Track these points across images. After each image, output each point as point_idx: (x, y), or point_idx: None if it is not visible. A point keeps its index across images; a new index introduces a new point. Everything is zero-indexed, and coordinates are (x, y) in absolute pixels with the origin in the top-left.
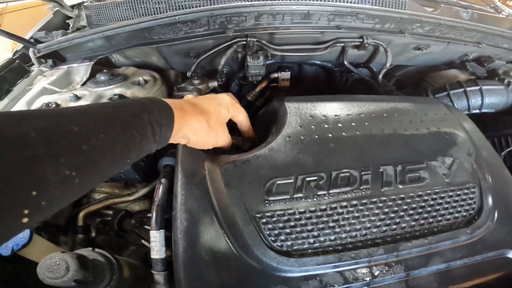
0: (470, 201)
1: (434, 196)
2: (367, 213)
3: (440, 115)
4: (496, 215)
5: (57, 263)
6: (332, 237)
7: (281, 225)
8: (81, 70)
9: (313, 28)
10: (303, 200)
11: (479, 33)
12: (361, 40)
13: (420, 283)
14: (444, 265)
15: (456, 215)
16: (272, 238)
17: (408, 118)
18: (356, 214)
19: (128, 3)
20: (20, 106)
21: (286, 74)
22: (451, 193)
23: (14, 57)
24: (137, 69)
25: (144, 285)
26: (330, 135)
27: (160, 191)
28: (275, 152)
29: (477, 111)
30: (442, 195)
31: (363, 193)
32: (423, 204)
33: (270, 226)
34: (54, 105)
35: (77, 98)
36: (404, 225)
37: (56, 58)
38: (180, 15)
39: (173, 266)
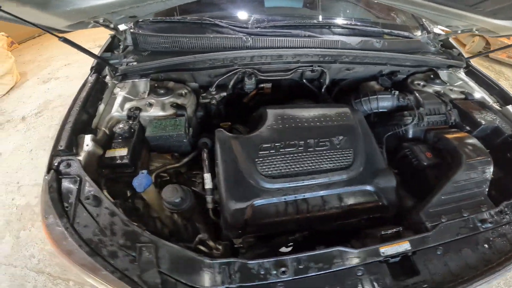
0: (348, 157)
1: (330, 153)
2: (302, 159)
3: (344, 114)
4: (361, 167)
5: (172, 189)
6: (287, 170)
7: (265, 163)
8: (142, 84)
9: (283, 63)
10: (273, 152)
11: (384, 58)
12: (311, 67)
13: (328, 199)
14: (339, 189)
15: (341, 164)
16: (261, 170)
17: (326, 116)
18: (297, 160)
19: (159, 37)
20: (115, 107)
21: (269, 85)
22: (338, 153)
23: (92, 72)
24: (174, 83)
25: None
26: (287, 125)
27: (205, 154)
28: (262, 133)
29: (376, 110)
30: (334, 153)
31: (300, 150)
32: (325, 157)
33: (260, 164)
34: (135, 108)
35: (150, 105)
36: (317, 166)
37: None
38: (210, 57)
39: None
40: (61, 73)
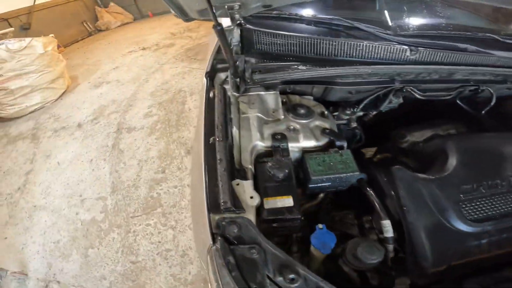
0: None
1: None
2: (506, 199)
3: None
4: None
5: (372, 249)
6: (492, 212)
7: (469, 206)
8: (270, 99)
9: (451, 82)
10: (475, 194)
11: None
12: (476, 87)
13: None
14: None
15: None
16: (466, 213)
17: None
18: (501, 200)
19: (288, 37)
20: (255, 134)
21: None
22: None
23: (208, 80)
24: (299, 97)
25: None
26: (479, 160)
27: (373, 195)
28: (457, 172)
29: None
30: None
31: (503, 190)
32: None
33: (464, 207)
34: (280, 136)
35: (295, 130)
36: None
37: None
38: (372, 71)
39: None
40: (111, 77)
